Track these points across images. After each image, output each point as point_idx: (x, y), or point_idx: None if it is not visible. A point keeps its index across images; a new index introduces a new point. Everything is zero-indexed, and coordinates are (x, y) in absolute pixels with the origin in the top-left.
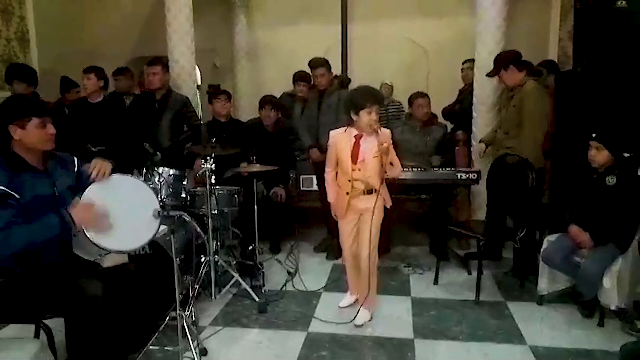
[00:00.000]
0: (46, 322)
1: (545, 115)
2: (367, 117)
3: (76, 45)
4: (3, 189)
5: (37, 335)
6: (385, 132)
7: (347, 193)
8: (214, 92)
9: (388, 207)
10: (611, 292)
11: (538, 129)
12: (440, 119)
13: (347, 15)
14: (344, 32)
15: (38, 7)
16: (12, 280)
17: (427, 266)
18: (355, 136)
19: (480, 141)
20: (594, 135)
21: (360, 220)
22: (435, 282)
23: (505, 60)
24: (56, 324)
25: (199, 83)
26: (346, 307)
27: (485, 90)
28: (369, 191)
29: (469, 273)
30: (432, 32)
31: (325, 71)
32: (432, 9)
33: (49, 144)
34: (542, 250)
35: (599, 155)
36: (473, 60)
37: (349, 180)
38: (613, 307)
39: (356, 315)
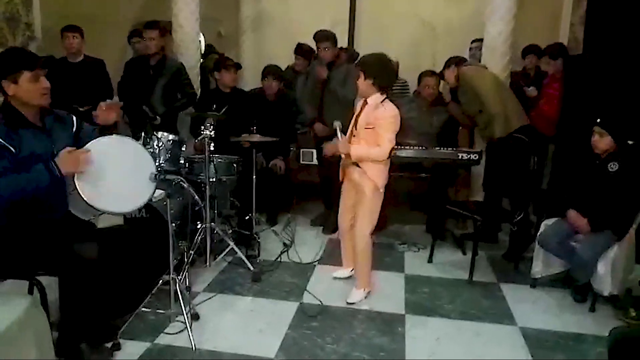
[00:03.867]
0: (40, 279)
1: (492, 83)
2: None
3: (80, 8)
4: (1, 141)
5: (30, 291)
6: (386, 107)
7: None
8: (223, 61)
9: (379, 190)
10: (605, 278)
11: (492, 94)
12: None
13: None
14: (353, 6)
15: None
16: (5, 234)
17: (422, 245)
18: (363, 103)
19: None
20: (598, 120)
21: (357, 197)
22: (430, 260)
23: (450, 61)
24: (50, 281)
25: (203, 51)
26: (340, 278)
27: (494, 70)
28: (357, 165)
29: (464, 253)
30: (441, 10)
31: (331, 45)
32: None
33: (44, 98)
34: (538, 233)
35: (601, 142)
36: (481, 40)
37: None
38: (606, 293)
39: (350, 295)
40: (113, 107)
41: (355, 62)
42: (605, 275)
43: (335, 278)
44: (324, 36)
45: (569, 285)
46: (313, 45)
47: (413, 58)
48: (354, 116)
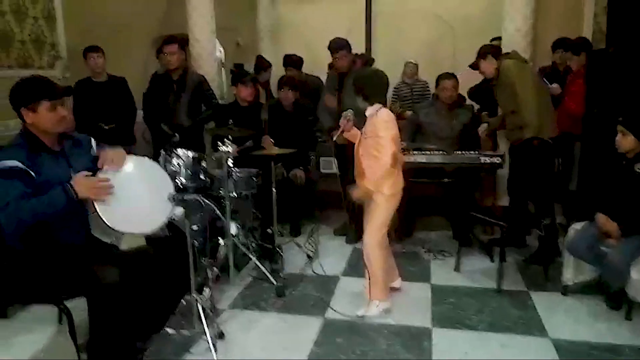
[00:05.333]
0: (72, 300)
1: (532, 86)
2: None
3: (101, 22)
4: (20, 166)
5: (60, 319)
6: (380, 114)
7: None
8: (240, 76)
9: (391, 197)
10: (639, 284)
11: (530, 99)
12: (468, 101)
13: None
14: (368, 9)
15: None
16: (26, 259)
17: (449, 252)
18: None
19: (486, 122)
20: (620, 119)
21: (369, 207)
22: (457, 269)
23: (484, 50)
24: (78, 303)
25: (223, 60)
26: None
27: None
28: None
29: (492, 260)
30: (458, 8)
31: (346, 53)
32: None
33: (62, 126)
34: (566, 239)
35: (624, 141)
36: (500, 38)
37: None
38: None
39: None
40: (117, 157)
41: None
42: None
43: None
44: (338, 45)
45: (602, 292)
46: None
47: (432, 58)
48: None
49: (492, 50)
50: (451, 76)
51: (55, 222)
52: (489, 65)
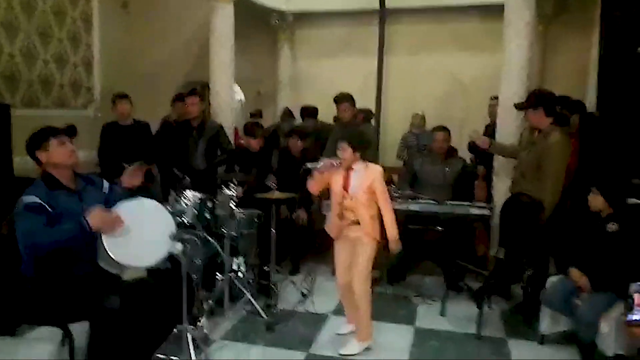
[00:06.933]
0: (76, 326)
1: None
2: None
3: (133, 69)
4: (40, 202)
5: (63, 342)
6: (373, 169)
7: (337, 215)
8: (250, 128)
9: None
10: (608, 338)
11: (559, 181)
12: (463, 153)
13: (386, 48)
14: (380, 64)
15: (103, 35)
16: (40, 286)
17: (438, 297)
18: (346, 168)
19: (490, 144)
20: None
21: (354, 251)
22: (443, 313)
23: (538, 100)
24: (81, 328)
25: (242, 102)
26: (345, 334)
27: (508, 129)
28: (359, 222)
29: (478, 307)
30: (469, 67)
31: (349, 106)
32: (470, 44)
33: (72, 158)
34: (543, 291)
35: (594, 200)
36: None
37: (339, 204)
38: (610, 354)
39: (346, 346)
40: (137, 171)
41: (343, 136)
42: (609, 335)
43: (338, 334)
44: (343, 97)
45: (577, 343)
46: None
47: (444, 112)
48: (340, 184)
49: (547, 104)
50: (443, 128)
51: (65, 253)
52: (538, 118)
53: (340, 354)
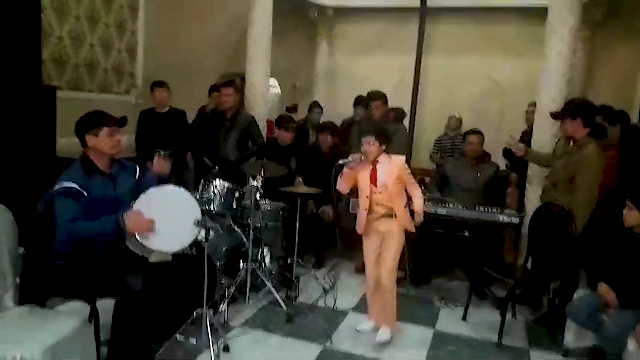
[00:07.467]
0: (102, 300)
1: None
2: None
3: (174, 57)
4: (77, 187)
5: (90, 318)
6: (397, 160)
7: (366, 209)
8: (281, 122)
9: (410, 231)
10: (636, 356)
11: (593, 194)
12: (498, 158)
13: (425, 47)
14: (418, 63)
15: (147, 23)
16: (71, 264)
17: (462, 302)
18: (372, 162)
19: (526, 152)
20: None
21: (383, 243)
22: (464, 318)
23: (576, 110)
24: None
25: (279, 93)
26: (364, 330)
27: (543, 137)
28: (390, 215)
29: (501, 315)
30: (507, 70)
31: (381, 104)
32: (509, 47)
33: (116, 149)
34: (569, 304)
35: (629, 215)
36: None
37: (367, 197)
38: None
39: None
40: (163, 160)
41: (373, 129)
42: (636, 353)
43: (357, 330)
44: (374, 95)
45: (601, 359)
46: None
47: (480, 114)
48: (367, 178)
49: (586, 115)
50: (477, 132)
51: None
52: (575, 128)
53: (380, 342)
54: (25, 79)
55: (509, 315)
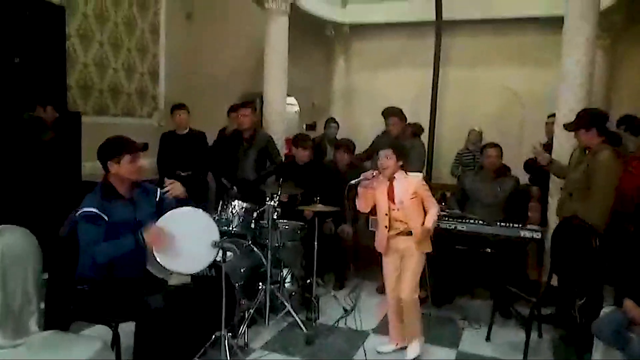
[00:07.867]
0: (123, 326)
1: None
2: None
3: (196, 81)
4: (96, 212)
5: (113, 344)
6: (414, 177)
7: (386, 227)
8: (298, 140)
9: (427, 251)
10: None
11: (609, 200)
12: (519, 172)
13: (442, 60)
14: (436, 77)
15: (169, 46)
16: (94, 287)
17: (485, 321)
18: (389, 178)
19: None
20: None
21: (402, 261)
22: (488, 338)
23: (590, 121)
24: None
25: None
26: (385, 352)
27: (564, 148)
28: (409, 232)
29: (526, 334)
30: (527, 81)
31: (398, 120)
32: (528, 58)
33: (137, 174)
34: (594, 322)
35: None
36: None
37: (386, 214)
38: None
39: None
40: (172, 184)
41: (385, 145)
42: None
43: (378, 352)
44: (391, 111)
45: None
46: None
47: (500, 128)
48: (385, 195)
49: (600, 124)
50: (495, 145)
51: (120, 259)
52: (589, 138)
53: (411, 359)
54: (51, 106)
55: (534, 335)
